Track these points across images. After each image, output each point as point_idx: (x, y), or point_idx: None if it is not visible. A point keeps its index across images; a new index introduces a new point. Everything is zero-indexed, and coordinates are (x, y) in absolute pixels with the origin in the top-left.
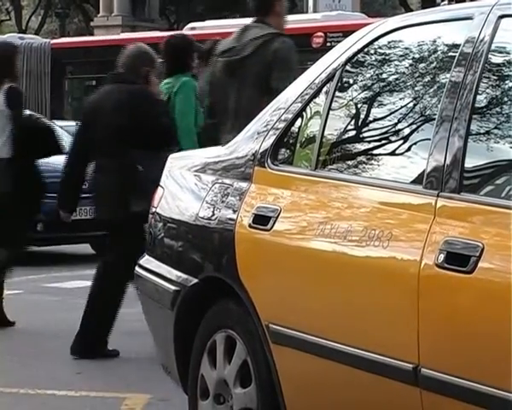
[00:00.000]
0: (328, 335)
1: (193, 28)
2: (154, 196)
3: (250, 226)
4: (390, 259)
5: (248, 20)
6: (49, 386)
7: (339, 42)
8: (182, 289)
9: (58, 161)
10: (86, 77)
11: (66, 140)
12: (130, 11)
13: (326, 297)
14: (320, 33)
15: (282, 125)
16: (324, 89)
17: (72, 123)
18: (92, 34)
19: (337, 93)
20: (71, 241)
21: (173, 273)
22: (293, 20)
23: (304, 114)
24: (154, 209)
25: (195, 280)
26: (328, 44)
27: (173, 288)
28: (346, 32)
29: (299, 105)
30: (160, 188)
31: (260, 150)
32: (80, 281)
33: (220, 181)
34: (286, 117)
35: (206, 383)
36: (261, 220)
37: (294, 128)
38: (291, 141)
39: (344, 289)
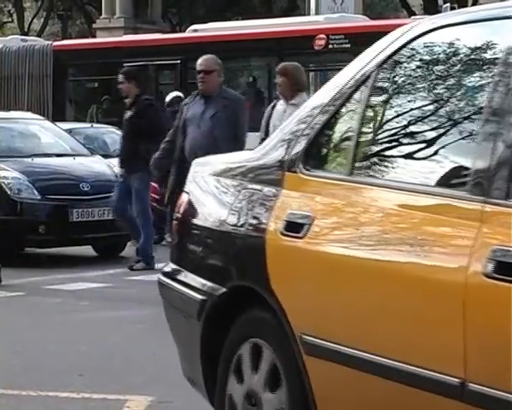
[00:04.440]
0: (366, 347)
1: (195, 30)
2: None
3: (282, 234)
4: (434, 267)
5: (250, 22)
6: (51, 388)
7: (341, 44)
8: (209, 299)
9: (57, 162)
10: (88, 79)
11: (64, 140)
12: (132, 13)
13: (363, 307)
14: (322, 35)
15: (313, 129)
16: (358, 92)
17: (74, 125)
18: (94, 36)
19: (372, 97)
20: (73, 243)
21: (199, 282)
22: (295, 23)
23: (336, 118)
24: (177, 215)
25: (223, 289)
26: (331, 47)
27: (200, 297)
28: (349, 34)
29: (332, 109)
30: (184, 194)
31: (291, 155)
32: (82, 283)
33: (249, 187)
34: (318, 121)
35: (234, 404)
36: (294, 227)
37: (327, 132)
38: (324, 145)
39: (383, 299)
